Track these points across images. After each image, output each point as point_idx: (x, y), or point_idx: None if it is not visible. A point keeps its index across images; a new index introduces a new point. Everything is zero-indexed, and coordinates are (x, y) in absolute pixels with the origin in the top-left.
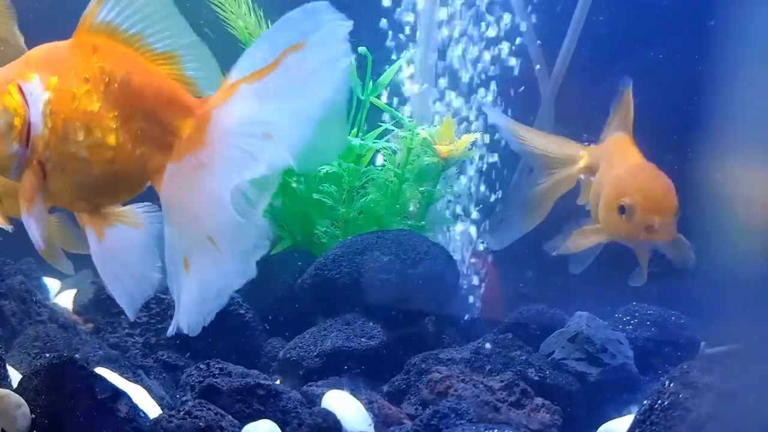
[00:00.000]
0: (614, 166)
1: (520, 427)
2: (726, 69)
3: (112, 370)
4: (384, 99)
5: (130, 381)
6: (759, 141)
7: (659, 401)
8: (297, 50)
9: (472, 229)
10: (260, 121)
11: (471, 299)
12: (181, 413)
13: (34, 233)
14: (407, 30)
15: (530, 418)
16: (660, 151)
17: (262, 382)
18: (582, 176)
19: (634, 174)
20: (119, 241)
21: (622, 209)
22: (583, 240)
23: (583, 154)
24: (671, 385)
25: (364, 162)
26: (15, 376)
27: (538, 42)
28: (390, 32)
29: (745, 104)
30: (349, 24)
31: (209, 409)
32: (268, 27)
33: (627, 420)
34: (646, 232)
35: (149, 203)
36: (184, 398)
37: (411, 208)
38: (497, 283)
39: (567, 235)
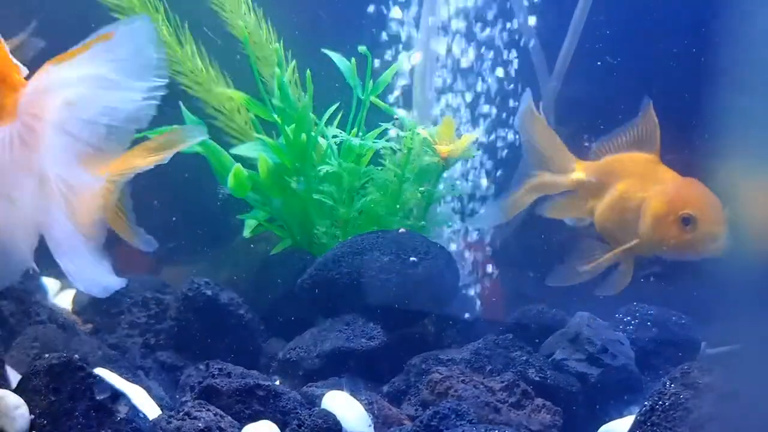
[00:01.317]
0: (649, 186)
1: (520, 427)
2: (727, 68)
3: (112, 371)
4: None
5: (129, 381)
6: (761, 140)
7: (660, 402)
8: (106, 40)
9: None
10: (64, 98)
11: (471, 299)
12: (181, 414)
13: None
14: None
15: (531, 419)
16: (661, 151)
17: (262, 382)
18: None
19: (688, 187)
20: None
21: (686, 221)
22: (623, 264)
23: (575, 167)
24: (672, 385)
25: (364, 162)
26: (14, 376)
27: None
28: (391, 31)
29: (747, 104)
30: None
31: (209, 409)
32: (267, 26)
33: (628, 421)
34: (709, 241)
35: None
36: (183, 399)
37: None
38: (497, 283)
39: (574, 263)
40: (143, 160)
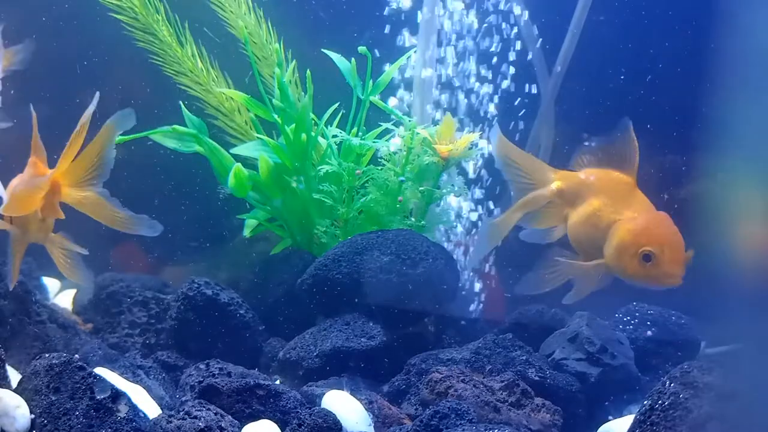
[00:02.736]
0: (621, 209)
1: (520, 427)
2: (727, 69)
3: (112, 370)
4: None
5: (129, 381)
6: (760, 141)
7: (660, 401)
8: None
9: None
10: None
11: (471, 299)
12: (181, 413)
13: None
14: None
15: (530, 419)
16: (661, 152)
17: (262, 382)
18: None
19: (656, 224)
20: None
21: (647, 257)
22: (585, 277)
23: (554, 178)
24: (671, 385)
25: (364, 162)
26: (15, 376)
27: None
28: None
29: (746, 105)
30: None
31: (209, 409)
32: (267, 26)
33: (627, 420)
34: (665, 278)
35: None
36: (183, 398)
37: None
38: (497, 283)
39: (541, 271)
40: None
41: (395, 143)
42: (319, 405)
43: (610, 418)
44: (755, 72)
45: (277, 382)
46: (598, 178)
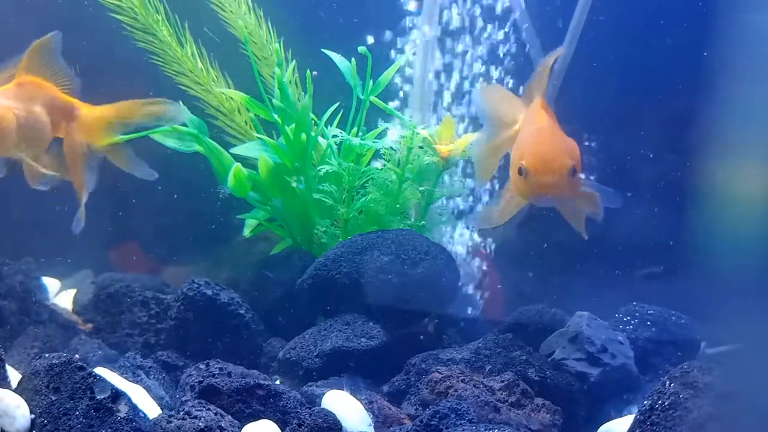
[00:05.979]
0: (524, 131)
1: (520, 427)
2: (727, 68)
3: (112, 370)
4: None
5: (129, 381)
6: (760, 140)
7: (660, 401)
8: None
9: None
10: None
11: (471, 299)
12: (181, 413)
13: None
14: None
15: (530, 419)
16: (661, 150)
17: (262, 382)
18: None
19: (532, 137)
20: None
21: (521, 171)
22: (505, 203)
23: (520, 118)
24: (672, 385)
25: (364, 162)
26: (15, 376)
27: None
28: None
29: (747, 103)
30: None
31: (209, 409)
32: (267, 26)
33: (627, 420)
34: (541, 190)
35: None
36: (183, 398)
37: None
38: (497, 282)
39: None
40: None
41: (393, 134)
42: (319, 405)
43: (610, 418)
44: (756, 70)
45: (277, 382)
46: (529, 108)
